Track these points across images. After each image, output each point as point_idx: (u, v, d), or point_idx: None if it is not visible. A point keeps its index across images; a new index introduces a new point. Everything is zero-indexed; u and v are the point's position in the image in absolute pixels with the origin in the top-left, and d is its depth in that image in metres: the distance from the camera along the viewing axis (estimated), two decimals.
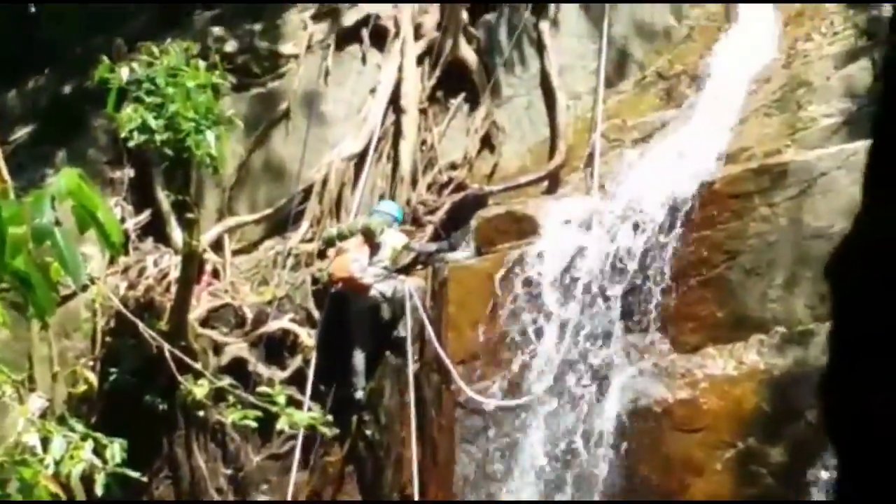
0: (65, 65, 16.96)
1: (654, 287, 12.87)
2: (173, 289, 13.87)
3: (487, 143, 15.87)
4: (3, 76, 17.01)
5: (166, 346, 13.11)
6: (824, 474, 10.96)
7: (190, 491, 13.80)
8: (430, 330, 13.69)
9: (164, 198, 15.57)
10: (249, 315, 14.46)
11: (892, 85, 3.73)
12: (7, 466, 6.95)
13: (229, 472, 13.98)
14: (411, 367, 13.71)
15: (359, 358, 14.14)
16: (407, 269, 14.47)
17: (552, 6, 16.15)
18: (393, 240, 14.16)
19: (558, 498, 12.85)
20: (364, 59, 16.12)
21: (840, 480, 4.25)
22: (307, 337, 14.37)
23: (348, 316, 14.25)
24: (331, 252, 14.81)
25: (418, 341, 13.92)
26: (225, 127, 12.98)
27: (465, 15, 16.20)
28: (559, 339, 13.22)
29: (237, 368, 14.06)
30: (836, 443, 3.91)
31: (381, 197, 15.34)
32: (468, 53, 16.14)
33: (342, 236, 14.34)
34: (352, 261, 13.92)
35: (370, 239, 14.03)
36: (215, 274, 15.25)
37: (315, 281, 14.80)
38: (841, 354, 3.86)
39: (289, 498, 13.85)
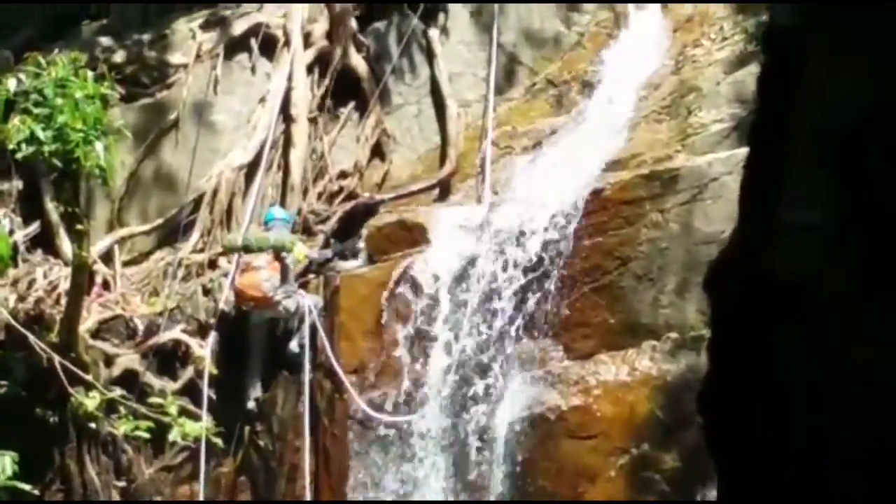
0: None
1: (546, 294, 12.94)
2: (63, 301, 13.74)
3: (378, 151, 15.95)
4: None
5: (57, 358, 13.01)
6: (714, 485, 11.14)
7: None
8: (323, 339, 13.73)
9: (53, 209, 15.38)
10: (140, 326, 14.37)
11: (766, 99, 3.87)
12: None
13: (122, 484, 13.88)
14: (307, 378, 13.73)
15: (254, 369, 14.14)
16: (303, 281, 14.45)
17: (441, 14, 16.26)
18: (298, 250, 14.14)
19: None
20: (253, 69, 16.06)
21: (720, 494, 4.37)
22: (199, 348, 14.29)
23: (243, 327, 14.22)
24: (224, 262, 14.78)
25: (312, 350, 13.93)
26: (114, 137, 12.93)
27: (354, 23, 16.21)
28: (451, 347, 13.28)
29: (129, 380, 13.95)
30: (714, 455, 4.03)
31: (272, 205, 15.30)
32: (358, 62, 16.17)
33: (248, 249, 14.22)
34: (264, 280, 13.86)
35: (281, 257, 14.00)
36: (106, 285, 15.12)
37: (206, 292, 14.74)
38: (717, 366, 3.99)
39: None
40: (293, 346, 13.94)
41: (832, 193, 3.32)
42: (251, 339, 14.22)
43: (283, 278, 13.92)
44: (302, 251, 14.14)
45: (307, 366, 13.72)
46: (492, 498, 12.81)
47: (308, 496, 13.34)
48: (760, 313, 3.57)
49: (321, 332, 13.75)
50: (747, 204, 3.85)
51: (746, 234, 3.78)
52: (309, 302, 13.95)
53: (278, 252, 13.99)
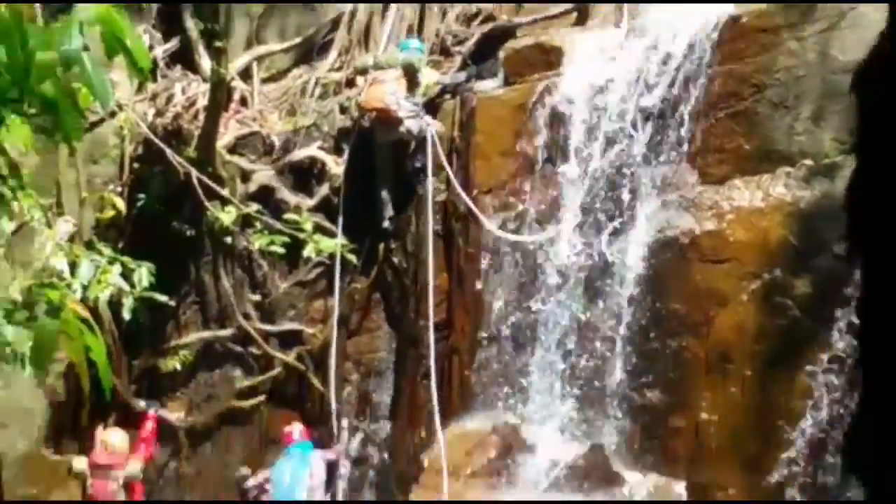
0: None
1: (681, 119, 12.80)
2: (201, 116, 13.88)
3: None
4: None
5: (194, 173, 13.21)
6: (848, 309, 11.04)
7: (217, 316, 13.99)
8: (446, 161, 13.75)
9: (192, 26, 15.48)
10: (277, 143, 14.47)
11: None
12: (35, 290, 7.06)
13: (256, 298, 14.13)
14: (430, 198, 13.73)
15: (384, 188, 14.17)
16: (433, 105, 14.36)
17: None
18: (427, 77, 14.07)
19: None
20: None
21: None
22: (334, 165, 14.36)
23: (374, 147, 14.24)
24: (361, 81, 14.76)
25: (446, 171, 13.93)
26: None
27: None
28: (585, 169, 13.24)
29: (264, 196, 14.12)
30: None
31: (410, 28, 15.20)
32: None
33: (378, 66, 14.23)
34: (388, 93, 13.82)
35: (410, 75, 13.93)
36: (243, 102, 15.25)
37: (343, 110, 14.76)
38: None
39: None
40: (423, 162, 13.92)
41: None
42: (378, 158, 14.22)
43: (409, 94, 13.86)
44: (431, 77, 14.07)
45: (430, 187, 13.70)
46: (625, 321, 12.87)
47: (431, 317, 13.40)
48: None
49: (443, 158, 13.74)
50: None
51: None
52: (431, 127, 13.86)
53: (407, 70, 13.91)
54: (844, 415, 10.91)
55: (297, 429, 13.38)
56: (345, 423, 13.82)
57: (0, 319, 5.23)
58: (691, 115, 12.67)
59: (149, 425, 13.24)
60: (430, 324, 13.32)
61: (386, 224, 14.20)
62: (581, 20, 14.78)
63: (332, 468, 13.44)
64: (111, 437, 12.76)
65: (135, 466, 12.75)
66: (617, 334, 12.96)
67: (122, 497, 12.75)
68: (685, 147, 12.73)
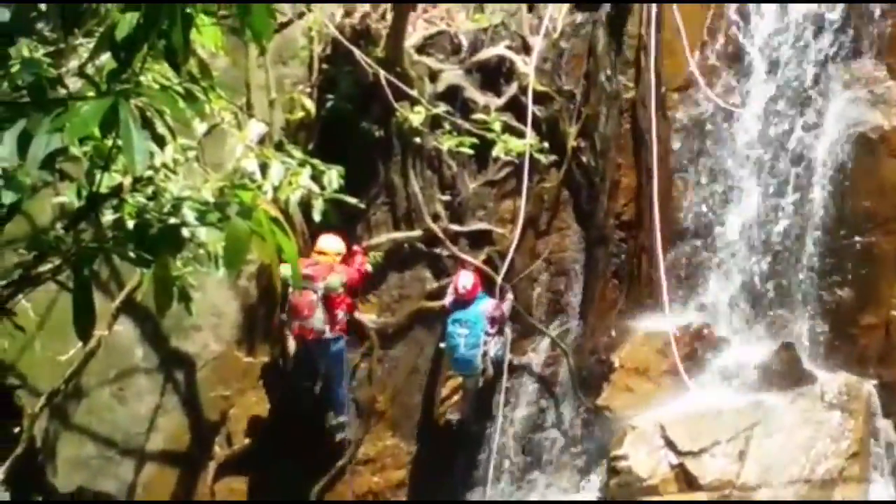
0: None
1: (870, 16, 12.54)
2: (389, 16, 13.79)
3: None
4: None
5: (382, 73, 13.17)
6: None
7: (406, 217, 14.00)
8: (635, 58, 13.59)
9: None
10: (465, 42, 14.33)
11: None
12: (227, 191, 7.10)
13: (446, 198, 14.10)
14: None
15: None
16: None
17: None
18: None
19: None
20: None
21: None
22: (523, 64, 14.20)
23: None
24: None
25: (634, 67, 13.71)
26: None
27: None
28: (770, 67, 13.07)
29: (452, 96, 14.03)
30: None
31: None
32: None
33: None
34: None
35: None
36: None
37: (530, 8, 14.54)
38: None
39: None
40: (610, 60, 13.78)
41: None
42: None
43: None
44: None
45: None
46: (819, 213, 12.72)
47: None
48: None
49: (645, 49, 13.58)
50: None
51: None
52: None
53: None
54: None
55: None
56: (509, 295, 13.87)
57: (193, 220, 5.24)
58: (880, 15, 12.45)
59: (358, 258, 13.52)
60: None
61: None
62: None
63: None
64: (324, 239, 13.01)
65: (334, 279, 13.04)
66: (806, 231, 12.83)
67: (320, 308, 13.10)
68: (873, 42, 12.49)
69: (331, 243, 13.12)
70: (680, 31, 13.48)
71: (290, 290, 12.96)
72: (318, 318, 13.12)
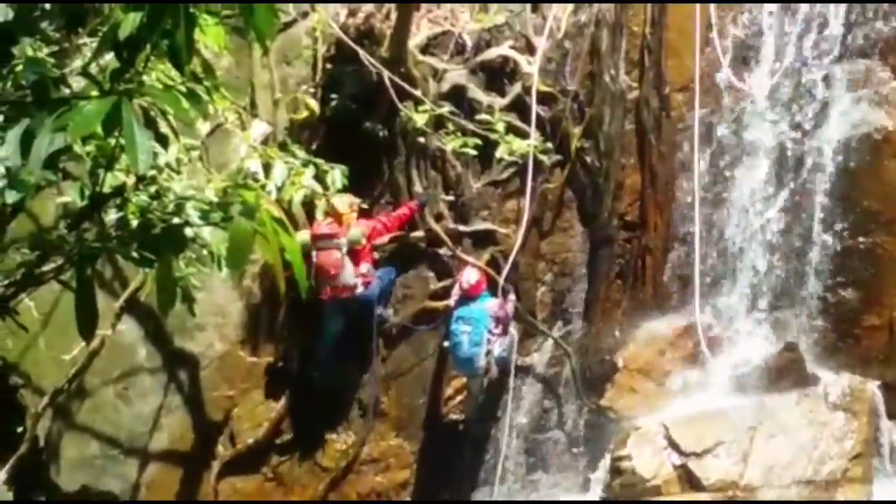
0: None
1: (874, 14, 12.57)
2: (393, 16, 13.79)
3: None
4: None
5: (386, 73, 13.16)
6: None
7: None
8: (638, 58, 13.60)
9: None
10: (469, 42, 14.33)
11: None
12: (230, 191, 7.10)
13: (450, 198, 14.09)
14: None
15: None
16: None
17: None
18: None
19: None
20: None
21: None
22: (527, 64, 14.20)
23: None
24: None
25: (638, 67, 13.71)
26: None
27: None
28: (778, 59, 13.09)
29: (457, 95, 14.01)
30: None
31: None
32: None
33: None
34: None
35: None
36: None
37: (535, 8, 14.53)
38: None
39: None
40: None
41: None
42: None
43: None
44: None
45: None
46: (819, 214, 12.74)
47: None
48: None
49: (649, 48, 13.59)
50: None
51: None
52: None
53: None
54: None
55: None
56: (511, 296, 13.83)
57: (196, 220, 5.24)
58: (885, 13, 12.48)
59: (403, 209, 13.57)
60: None
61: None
62: None
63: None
64: (334, 199, 12.98)
65: (356, 232, 13.00)
66: (810, 232, 12.84)
67: (348, 263, 13.08)
68: (878, 43, 12.52)
69: (343, 201, 13.05)
70: (684, 31, 13.48)
71: (314, 253, 12.87)
72: (348, 274, 13.11)
